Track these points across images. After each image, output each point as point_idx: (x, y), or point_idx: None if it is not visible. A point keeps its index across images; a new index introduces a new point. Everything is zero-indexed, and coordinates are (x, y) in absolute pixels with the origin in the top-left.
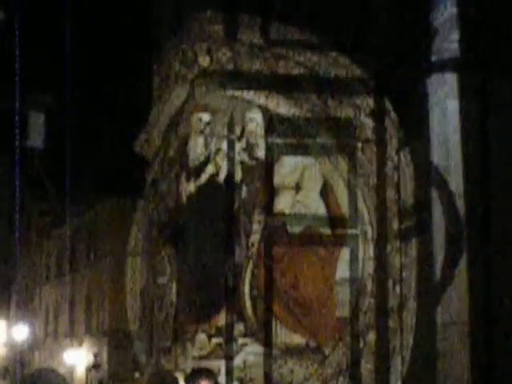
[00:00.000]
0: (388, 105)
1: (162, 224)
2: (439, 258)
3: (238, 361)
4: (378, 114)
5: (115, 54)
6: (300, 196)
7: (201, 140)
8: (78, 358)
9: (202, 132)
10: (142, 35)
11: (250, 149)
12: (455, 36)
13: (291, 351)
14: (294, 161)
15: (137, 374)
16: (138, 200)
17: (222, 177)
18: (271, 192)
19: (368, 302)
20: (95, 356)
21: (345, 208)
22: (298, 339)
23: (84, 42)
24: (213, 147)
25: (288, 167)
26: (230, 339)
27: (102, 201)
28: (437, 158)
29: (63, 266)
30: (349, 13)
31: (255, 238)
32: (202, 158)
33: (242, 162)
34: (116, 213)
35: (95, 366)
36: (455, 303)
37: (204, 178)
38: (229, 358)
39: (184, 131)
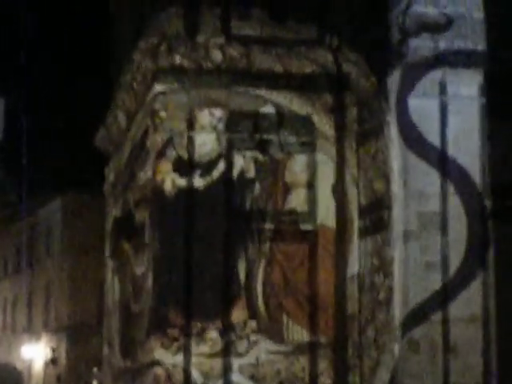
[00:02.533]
0: (348, 101)
1: (122, 218)
2: (396, 253)
3: (250, 358)
4: (337, 111)
5: (75, 48)
6: (311, 193)
7: (212, 136)
8: (35, 352)
9: (214, 128)
10: (100, 33)
11: (262, 145)
12: (419, 34)
13: (303, 348)
14: (306, 158)
15: (95, 369)
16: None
17: (234, 173)
18: (284, 189)
19: (369, 297)
20: (53, 351)
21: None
22: (309, 336)
23: (43, 39)
24: (224, 143)
25: (300, 165)
26: (242, 336)
27: (61, 195)
28: (397, 155)
29: (21, 260)
30: (312, 8)
31: (268, 235)
32: (214, 154)
33: (255, 159)
34: (75, 208)
35: (53, 361)
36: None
37: (216, 174)
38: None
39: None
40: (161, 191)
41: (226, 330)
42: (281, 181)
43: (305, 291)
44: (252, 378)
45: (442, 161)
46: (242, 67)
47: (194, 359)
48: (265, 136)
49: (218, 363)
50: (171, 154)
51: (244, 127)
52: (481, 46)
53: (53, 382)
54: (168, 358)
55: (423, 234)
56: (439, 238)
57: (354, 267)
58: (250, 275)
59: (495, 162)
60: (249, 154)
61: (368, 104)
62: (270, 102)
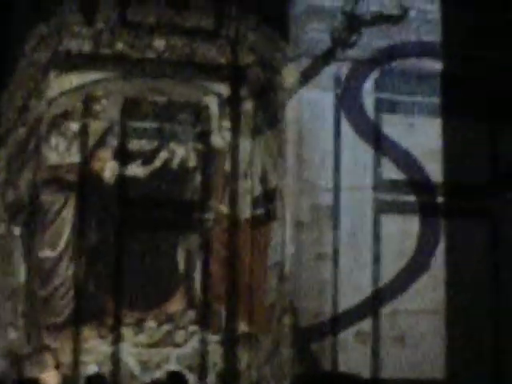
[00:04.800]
0: (244, 92)
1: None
2: (285, 244)
3: (187, 349)
4: (233, 102)
5: None
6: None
7: (154, 125)
8: None
9: (156, 117)
10: None
11: (204, 135)
12: (313, 26)
13: (238, 339)
14: (244, 147)
15: None
16: None
17: (175, 163)
18: (225, 179)
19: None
20: None
21: None
22: (243, 327)
23: None
24: (167, 133)
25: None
26: (181, 326)
27: None
28: (291, 147)
29: None
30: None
31: (208, 225)
32: (155, 144)
33: (196, 149)
34: None
35: None
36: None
37: (158, 163)
38: (179, 346)
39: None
40: (99, 178)
41: (165, 320)
42: (222, 171)
43: (238, 281)
44: (189, 368)
45: (335, 154)
46: (184, 57)
47: (131, 349)
48: (206, 126)
49: (155, 353)
50: (111, 142)
51: (185, 117)
52: (380, 42)
53: None
54: (105, 347)
55: (315, 226)
56: (331, 230)
57: (276, 256)
58: (189, 265)
59: (452, 160)
60: (190, 144)
61: (264, 96)
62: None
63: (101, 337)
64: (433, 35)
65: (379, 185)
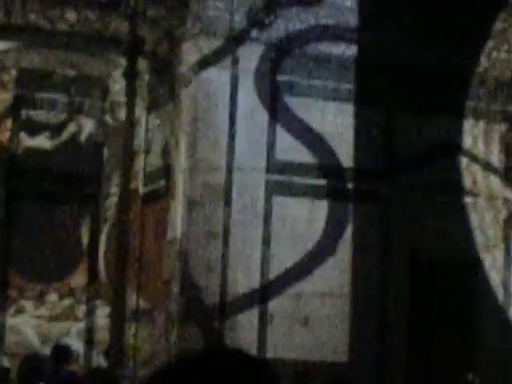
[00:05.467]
0: (141, 66)
1: None
2: (178, 221)
3: (88, 323)
4: (130, 76)
5: None
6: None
7: (63, 98)
8: None
9: (65, 89)
10: None
11: (112, 110)
12: (214, 3)
13: (137, 314)
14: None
15: None
16: None
17: (83, 137)
18: (131, 154)
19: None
20: None
21: None
22: (143, 302)
23: None
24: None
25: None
26: (82, 301)
27: None
28: (185, 125)
29: None
30: None
31: (112, 200)
32: (63, 116)
33: (104, 123)
34: None
35: None
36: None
37: (65, 136)
38: (79, 320)
39: None
40: (7, 149)
41: (66, 293)
42: (128, 145)
43: (137, 256)
44: (88, 342)
45: (229, 134)
46: (95, 30)
47: (32, 321)
48: (116, 99)
49: (56, 327)
50: (20, 113)
51: (94, 91)
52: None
53: None
54: (6, 319)
55: (207, 204)
56: (222, 209)
57: (175, 232)
58: (92, 240)
59: (362, 146)
60: (98, 117)
61: (161, 71)
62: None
63: (1, 308)
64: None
65: (272, 166)
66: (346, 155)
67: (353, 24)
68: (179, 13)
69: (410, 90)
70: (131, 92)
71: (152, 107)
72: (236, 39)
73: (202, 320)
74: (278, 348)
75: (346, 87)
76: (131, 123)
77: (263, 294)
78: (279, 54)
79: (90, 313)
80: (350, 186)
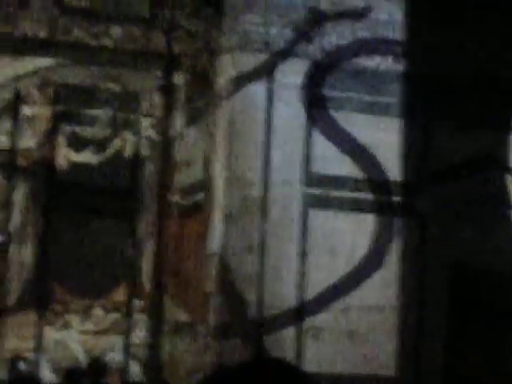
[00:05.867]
0: (178, 81)
1: None
2: (217, 235)
3: (131, 338)
4: (167, 90)
5: None
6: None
7: (109, 113)
8: None
9: (110, 105)
10: None
11: (155, 124)
12: (247, 17)
13: (178, 328)
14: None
15: None
16: None
17: (127, 152)
18: (172, 168)
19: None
20: None
21: None
22: (183, 316)
23: None
24: (120, 121)
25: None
26: (128, 315)
27: None
28: (222, 138)
29: None
30: None
31: (154, 214)
32: (108, 132)
33: (148, 138)
34: None
35: None
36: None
37: (110, 151)
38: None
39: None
40: (52, 165)
41: (112, 308)
42: (172, 159)
43: (179, 270)
44: (134, 357)
45: (266, 148)
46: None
47: (78, 336)
48: (158, 114)
49: (101, 341)
50: (65, 128)
51: (138, 106)
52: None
53: None
54: (52, 333)
55: (243, 218)
56: (259, 223)
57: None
58: (136, 255)
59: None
60: (144, 132)
61: (199, 85)
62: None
63: (48, 323)
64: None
65: (309, 179)
66: (384, 168)
67: (392, 37)
68: (216, 26)
69: (450, 101)
70: (169, 106)
71: (190, 121)
72: (279, 54)
73: (245, 334)
74: (325, 362)
75: (384, 100)
76: (171, 137)
77: (307, 308)
78: (315, 67)
79: (134, 327)
80: (392, 199)
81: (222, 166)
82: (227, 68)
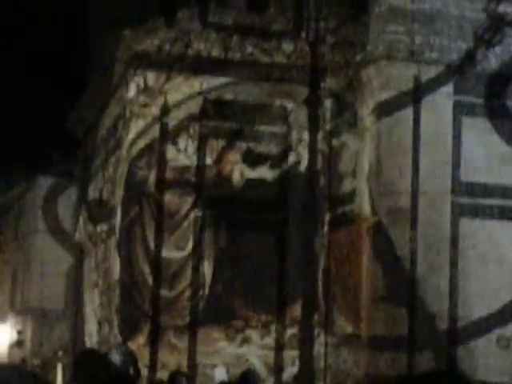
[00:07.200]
0: (323, 93)
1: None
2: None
3: (306, 351)
4: (312, 102)
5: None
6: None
7: (283, 129)
8: (1, 334)
9: (284, 120)
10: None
11: (327, 137)
12: (392, 28)
13: (345, 340)
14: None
15: (60, 353)
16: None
17: (302, 166)
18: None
19: None
20: (19, 333)
21: None
22: (349, 327)
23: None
24: (295, 136)
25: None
26: (306, 329)
27: (30, 176)
28: (369, 150)
29: None
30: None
31: (327, 226)
32: (282, 147)
33: (321, 151)
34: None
35: (18, 343)
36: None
37: (286, 166)
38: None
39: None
40: (228, 181)
41: (289, 323)
42: (335, 169)
43: (347, 282)
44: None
45: (413, 157)
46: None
47: (258, 351)
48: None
49: (281, 356)
50: (240, 144)
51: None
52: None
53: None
54: (232, 349)
55: (392, 227)
56: (408, 232)
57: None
58: (311, 270)
59: None
60: (314, 146)
61: (342, 97)
62: None
63: (228, 339)
64: None
65: (458, 188)
66: None
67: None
68: (360, 38)
69: None
70: (314, 118)
71: (332, 133)
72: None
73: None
74: None
75: None
76: (337, 149)
77: (500, 318)
78: (461, 74)
79: (310, 341)
80: None
81: (370, 176)
82: (372, 78)
